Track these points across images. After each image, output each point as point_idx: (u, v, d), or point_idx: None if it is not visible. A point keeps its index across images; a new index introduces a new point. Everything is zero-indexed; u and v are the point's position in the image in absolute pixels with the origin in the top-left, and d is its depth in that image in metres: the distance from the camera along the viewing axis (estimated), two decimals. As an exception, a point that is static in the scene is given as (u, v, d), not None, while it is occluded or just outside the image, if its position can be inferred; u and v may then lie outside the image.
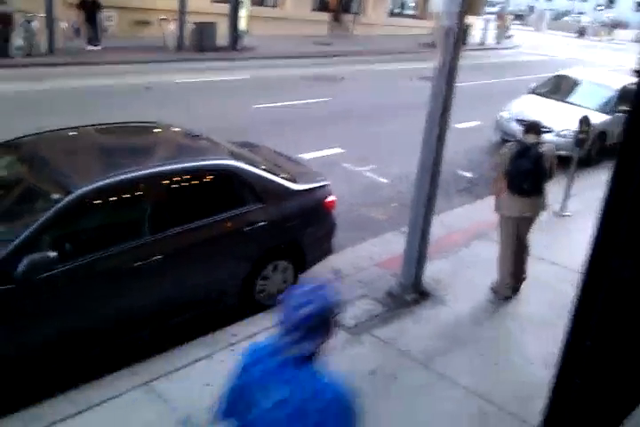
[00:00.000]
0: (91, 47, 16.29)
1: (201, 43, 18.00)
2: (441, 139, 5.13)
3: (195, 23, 17.81)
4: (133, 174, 4.36)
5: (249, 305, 5.15)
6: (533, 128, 5.77)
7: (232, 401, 2.34)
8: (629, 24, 64.06)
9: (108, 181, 4.20)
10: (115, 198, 4.32)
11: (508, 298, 5.84)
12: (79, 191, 4.02)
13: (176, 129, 5.87)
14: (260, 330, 4.78)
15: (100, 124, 5.54)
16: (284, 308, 2.19)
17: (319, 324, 2.12)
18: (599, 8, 60.56)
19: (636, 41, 51.11)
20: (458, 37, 4.86)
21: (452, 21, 4.79)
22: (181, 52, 17.41)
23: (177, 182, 4.65)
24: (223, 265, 4.87)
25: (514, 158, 5.59)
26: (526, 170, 5.51)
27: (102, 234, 4.31)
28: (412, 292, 5.54)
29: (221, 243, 4.81)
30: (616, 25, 57.59)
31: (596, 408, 2.64)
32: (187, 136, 5.79)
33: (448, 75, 4.92)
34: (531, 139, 5.66)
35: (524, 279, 6.01)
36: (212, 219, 4.73)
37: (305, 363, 2.16)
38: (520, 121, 10.91)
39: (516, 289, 5.93)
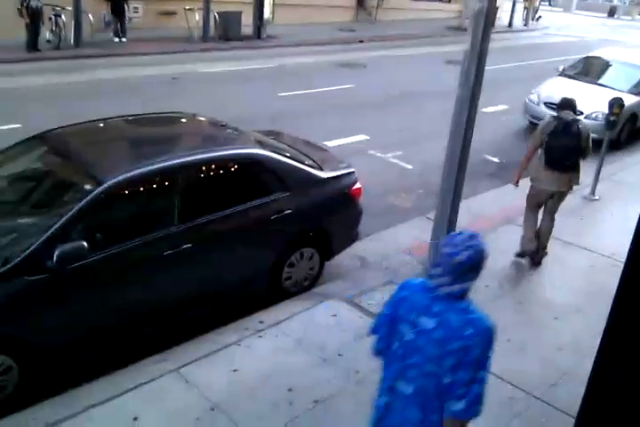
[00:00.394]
0: (117, 39, 16.46)
1: (226, 32, 18.02)
2: (470, 124, 5.07)
3: (219, 13, 17.83)
4: (162, 164, 4.43)
5: (276, 292, 5.22)
6: (569, 104, 5.95)
7: (384, 335, 2.73)
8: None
9: (137, 171, 4.28)
10: (144, 188, 4.41)
11: (532, 255, 6.07)
12: (110, 182, 4.11)
13: (202, 118, 5.93)
14: (287, 316, 4.87)
15: (127, 116, 5.62)
16: (438, 253, 2.52)
17: (470, 269, 2.46)
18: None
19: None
20: (487, 20, 4.76)
21: (482, 4, 4.71)
22: (207, 42, 17.46)
23: (204, 172, 4.72)
24: (251, 253, 4.94)
25: (555, 134, 5.73)
26: (569, 146, 5.69)
27: (132, 223, 4.41)
28: (438, 278, 5.52)
29: (249, 231, 4.87)
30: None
31: (635, 400, 2.58)
32: (213, 125, 5.84)
33: (478, 59, 4.84)
34: (568, 115, 5.84)
35: (545, 254, 6.17)
36: (240, 207, 4.79)
37: (455, 300, 2.51)
38: (549, 104, 10.73)
39: (537, 262, 6.12)
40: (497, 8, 4.85)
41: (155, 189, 4.50)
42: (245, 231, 4.85)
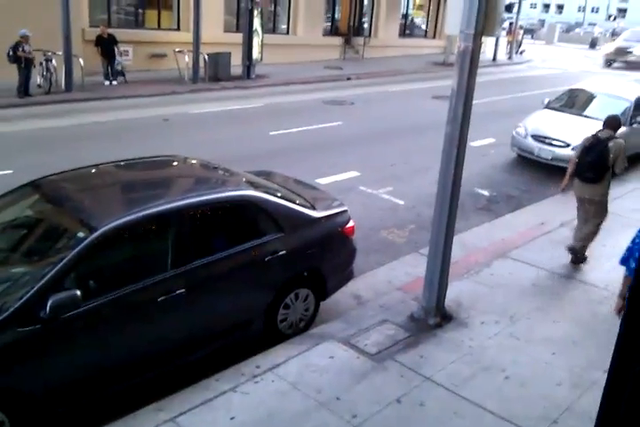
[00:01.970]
0: (108, 82, 16.70)
1: (216, 73, 18.34)
2: (459, 160, 5.15)
3: (209, 54, 18.18)
4: (155, 210, 4.45)
5: (271, 335, 5.17)
6: (610, 123, 6.75)
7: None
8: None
9: (130, 217, 4.28)
10: (137, 234, 4.42)
11: (572, 252, 6.88)
12: (103, 229, 4.11)
13: (194, 161, 5.98)
14: (284, 360, 4.81)
15: (119, 161, 5.67)
16: None
17: None
18: (611, 18, 60.37)
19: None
20: (473, 59, 4.91)
21: (468, 43, 4.85)
22: (197, 83, 17.73)
23: (198, 215, 4.73)
24: (245, 296, 4.92)
25: (586, 149, 6.64)
26: (590, 161, 6.57)
27: (126, 270, 4.40)
28: (434, 315, 5.51)
29: (243, 274, 4.86)
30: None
31: None
32: (205, 168, 5.89)
33: (465, 96, 4.96)
34: (605, 134, 6.66)
35: (583, 258, 6.95)
36: (234, 250, 4.79)
37: None
38: (536, 137, 10.92)
39: (576, 260, 6.92)
40: (481, 43, 4.96)
41: (148, 235, 4.52)
42: (239, 274, 4.84)
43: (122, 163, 5.67)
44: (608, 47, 31.93)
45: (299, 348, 4.99)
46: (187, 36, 18.71)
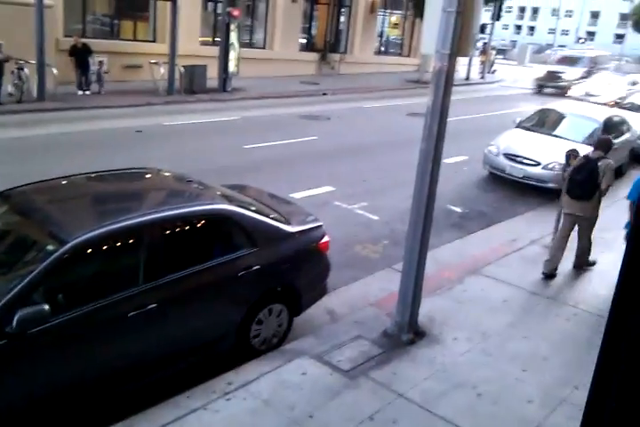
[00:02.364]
0: (82, 92, 16.52)
1: (191, 85, 18.29)
2: (434, 177, 5.20)
3: (184, 66, 18.14)
4: (126, 223, 4.37)
5: (244, 351, 5.11)
6: (601, 145, 7.17)
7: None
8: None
9: (101, 230, 4.21)
10: (109, 248, 4.33)
11: (545, 275, 7.12)
12: (73, 242, 4.02)
13: (167, 174, 5.92)
14: (256, 377, 4.75)
15: (90, 172, 5.58)
16: None
17: None
18: (580, 41, 62.13)
19: (615, 71, 52.31)
20: (448, 78, 4.99)
21: (444, 62, 4.92)
22: (172, 95, 17.66)
23: (171, 229, 4.67)
24: (218, 311, 4.86)
25: (576, 169, 7.03)
26: (580, 180, 6.95)
27: (96, 284, 4.31)
28: (407, 331, 5.51)
29: (216, 289, 4.80)
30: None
31: None
32: (178, 180, 5.83)
33: (440, 114, 5.03)
34: (595, 154, 7.03)
35: (592, 263, 7.44)
36: (206, 265, 4.73)
37: None
38: (508, 155, 11.11)
39: (578, 266, 7.41)
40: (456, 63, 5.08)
41: (119, 248, 4.43)
42: (212, 289, 4.79)
43: (93, 175, 5.58)
44: (539, 72, 29.10)
45: (271, 364, 4.94)
46: (163, 47, 18.67)
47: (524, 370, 5.22)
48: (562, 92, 24.43)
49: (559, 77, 27.10)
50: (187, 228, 4.85)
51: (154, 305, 4.31)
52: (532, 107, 16.19)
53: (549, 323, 6.14)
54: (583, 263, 7.43)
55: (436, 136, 5.10)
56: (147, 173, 5.91)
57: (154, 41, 20.38)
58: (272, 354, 5.13)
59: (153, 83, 17.84)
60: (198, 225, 4.94)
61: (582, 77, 26.73)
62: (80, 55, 16.37)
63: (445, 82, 5.00)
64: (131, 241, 4.46)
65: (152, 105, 16.36)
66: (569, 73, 27.20)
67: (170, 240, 4.68)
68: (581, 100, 17.82)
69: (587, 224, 7.16)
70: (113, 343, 4.24)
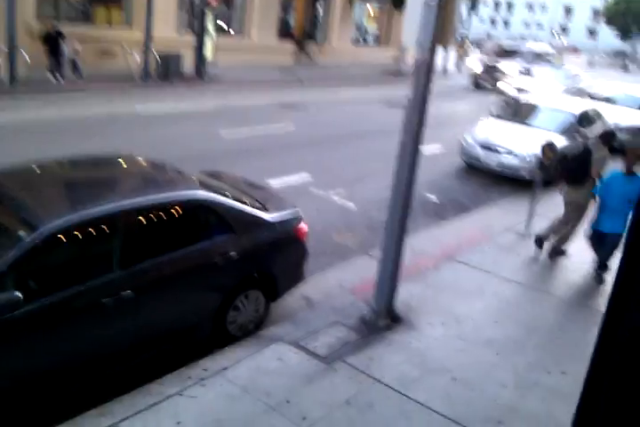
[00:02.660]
0: (54, 78, 16.18)
1: (167, 72, 18.05)
2: (413, 168, 5.21)
3: (160, 53, 17.87)
4: (101, 209, 4.31)
5: (220, 337, 5.09)
6: (602, 136, 8.07)
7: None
8: (582, 50, 66.72)
9: (74, 216, 4.14)
10: (82, 234, 4.24)
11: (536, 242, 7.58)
12: (45, 228, 3.95)
13: (142, 160, 5.82)
14: (232, 363, 4.73)
15: (64, 158, 5.47)
16: None
17: None
18: (555, 35, 62.79)
19: (588, 66, 53.09)
20: (428, 71, 4.99)
21: (425, 54, 4.92)
22: (147, 82, 17.41)
23: (146, 215, 4.60)
24: (195, 297, 4.82)
25: (573, 157, 7.52)
26: (574, 167, 7.35)
27: (70, 271, 4.23)
28: (384, 317, 5.54)
29: (193, 275, 4.77)
30: (572, 50, 59.92)
31: None
32: (153, 167, 5.75)
33: (420, 106, 5.04)
34: (593, 145, 7.82)
35: (560, 251, 7.57)
36: (183, 251, 4.69)
37: None
38: (483, 144, 11.20)
39: (554, 253, 7.56)
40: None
41: (93, 235, 4.34)
42: (189, 275, 4.75)
43: (67, 160, 5.48)
44: (476, 66, 26.67)
45: (248, 350, 4.93)
46: (138, 34, 18.35)
47: (498, 354, 5.30)
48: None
49: (498, 71, 24.94)
50: (162, 215, 4.77)
51: (129, 292, 4.26)
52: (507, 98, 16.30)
53: (522, 308, 6.24)
54: (559, 251, 7.58)
55: (416, 127, 5.10)
56: (122, 159, 5.81)
57: (129, 27, 20.03)
58: (249, 340, 5.12)
59: (128, 69, 17.55)
60: (174, 212, 4.86)
61: (523, 72, 24.56)
62: (52, 40, 16.01)
63: (426, 73, 5.00)
64: (104, 228, 4.37)
65: (127, 92, 16.10)
66: (507, 67, 24.95)
67: (145, 227, 4.62)
68: (509, 96, 17.18)
69: (578, 213, 7.33)
70: (87, 330, 4.18)
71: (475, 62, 27.17)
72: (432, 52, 4.94)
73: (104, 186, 5.20)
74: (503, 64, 25.40)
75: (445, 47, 5.33)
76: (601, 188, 6.89)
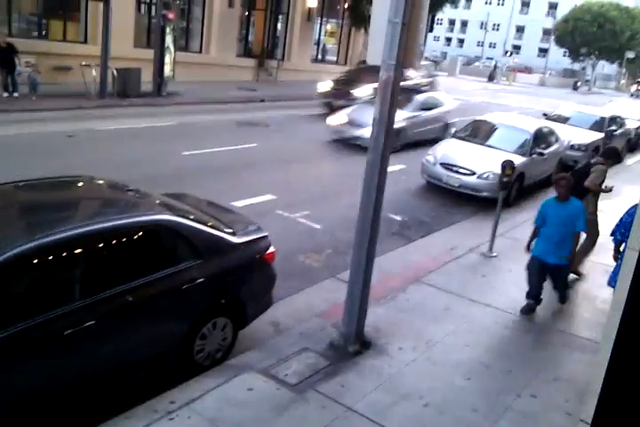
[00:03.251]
0: (7, 94, 15.71)
1: (125, 89, 17.74)
2: (380, 187, 5.20)
3: (118, 69, 17.57)
4: (60, 236, 4.11)
5: (187, 367, 4.92)
6: (605, 152, 8.18)
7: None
8: (533, 69, 69.06)
9: (32, 244, 3.94)
10: (41, 262, 4.05)
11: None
12: (1, 257, 3.74)
13: (103, 182, 5.64)
14: (200, 394, 4.58)
15: (19, 181, 5.22)
16: None
17: None
18: (507, 54, 64.79)
19: (540, 84, 54.94)
20: (395, 88, 5.00)
21: (390, 73, 4.93)
22: (105, 99, 17.05)
23: (109, 241, 4.44)
24: (161, 327, 4.66)
25: (575, 172, 7.89)
26: (576, 181, 7.16)
27: (29, 301, 4.01)
28: (354, 342, 5.47)
29: (158, 303, 4.61)
30: (522, 70, 61.95)
31: None
32: (115, 189, 5.57)
33: (387, 124, 5.04)
34: (596, 160, 7.90)
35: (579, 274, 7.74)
36: (148, 278, 4.53)
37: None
38: (444, 164, 11.35)
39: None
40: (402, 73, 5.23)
41: (52, 263, 4.15)
42: (154, 303, 4.59)
43: (22, 183, 5.23)
44: (324, 86, 20.21)
45: (216, 380, 4.78)
46: (94, 49, 18.01)
47: (468, 378, 5.28)
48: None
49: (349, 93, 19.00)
50: (125, 240, 4.62)
51: (92, 322, 4.07)
52: (465, 117, 16.59)
53: (490, 331, 6.26)
54: (577, 267, 7.72)
55: (383, 146, 5.11)
56: (80, 182, 5.62)
57: (85, 42, 19.69)
58: (217, 369, 4.97)
59: (84, 86, 17.18)
60: (138, 237, 4.72)
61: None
62: (5, 55, 15.56)
63: (392, 92, 5.02)
64: (65, 255, 4.19)
65: (84, 109, 15.74)
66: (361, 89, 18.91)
67: (107, 254, 4.45)
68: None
69: (588, 229, 7.16)
70: (46, 364, 3.97)
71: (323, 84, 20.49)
72: (397, 70, 4.96)
73: (63, 210, 4.98)
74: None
75: (412, 67, 5.34)
76: (537, 217, 6.58)
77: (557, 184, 6.44)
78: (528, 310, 6.64)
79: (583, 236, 7.30)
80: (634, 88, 51.05)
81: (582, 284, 7.74)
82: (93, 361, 4.21)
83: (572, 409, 4.96)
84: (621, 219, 6.20)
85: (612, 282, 5.89)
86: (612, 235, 6.29)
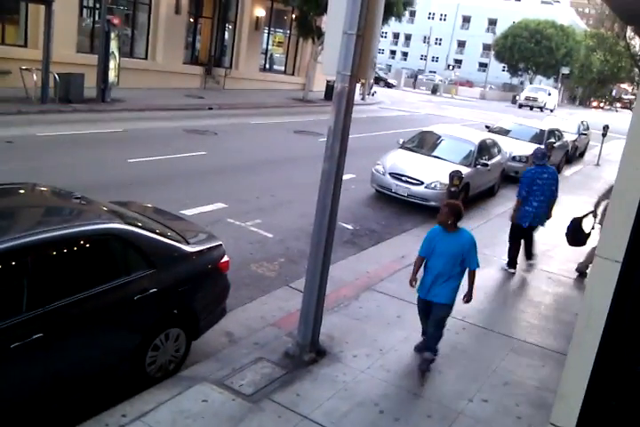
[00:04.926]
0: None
1: (67, 94, 17.22)
2: (335, 196, 5.24)
3: (60, 74, 17.04)
4: (5, 245, 3.92)
5: (139, 379, 4.78)
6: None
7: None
8: (474, 82, 71.26)
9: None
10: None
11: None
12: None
13: (46, 189, 5.42)
14: (153, 407, 4.46)
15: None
16: None
17: None
18: (449, 68, 66.64)
19: (481, 98, 56.71)
20: (349, 99, 5.05)
21: (345, 84, 4.97)
22: (46, 104, 16.49)
23: (56, 251, 4.26)
24: (111, 339, 4.51)
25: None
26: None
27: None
28: (308, 351, 5.46)
29: (109, 314, 4.46)
30: (464, 83, 63.80)
31: None
32: (59, 196, 5.38)
33: (341, 135, 5.08)
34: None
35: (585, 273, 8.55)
36: (98, 289, 4.37)
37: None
38: (393, 174, 11.52)
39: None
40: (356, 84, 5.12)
41: (-3, 274, 3.97)
42: (105, 314, 4.44)
43: None
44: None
45: (169, 392, 4.66)
46: (35, 53, 17.44)
47: (422, 385, 5.35)
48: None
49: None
50: (73, 249, 4.44)
51: (40, 335, 3.90)
52: (412, 129, 16.89)
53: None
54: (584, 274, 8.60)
55: (338, 156, 5.15)
56: (22, 189, 5.38)
57: (25, 46, 19.02)
58: (170, 381, 4.84)
59: (25, 90, 16.59)
60: (86, 246, 4.55)
61: None
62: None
63: (346, 102, 5.08)
64: (9, 266, 4.00)
65: (24, 114, 15.18)
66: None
67: (54, 264, 4.26)
68: None
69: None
70: (-9, 380, 3.78)
71: None
72: (352, 81, 5.02)
73: (5, 219, 4.76)
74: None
75: (366, 78, 5.40)
76: (423, 247, 5.53)
77: (442, 212, 5.39)
78: (422, 348, 5.72)
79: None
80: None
81: (528, 290, 7.99)
82: (42, 375, 4.03)
83: (522, 413, 5.10)
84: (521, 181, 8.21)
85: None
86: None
